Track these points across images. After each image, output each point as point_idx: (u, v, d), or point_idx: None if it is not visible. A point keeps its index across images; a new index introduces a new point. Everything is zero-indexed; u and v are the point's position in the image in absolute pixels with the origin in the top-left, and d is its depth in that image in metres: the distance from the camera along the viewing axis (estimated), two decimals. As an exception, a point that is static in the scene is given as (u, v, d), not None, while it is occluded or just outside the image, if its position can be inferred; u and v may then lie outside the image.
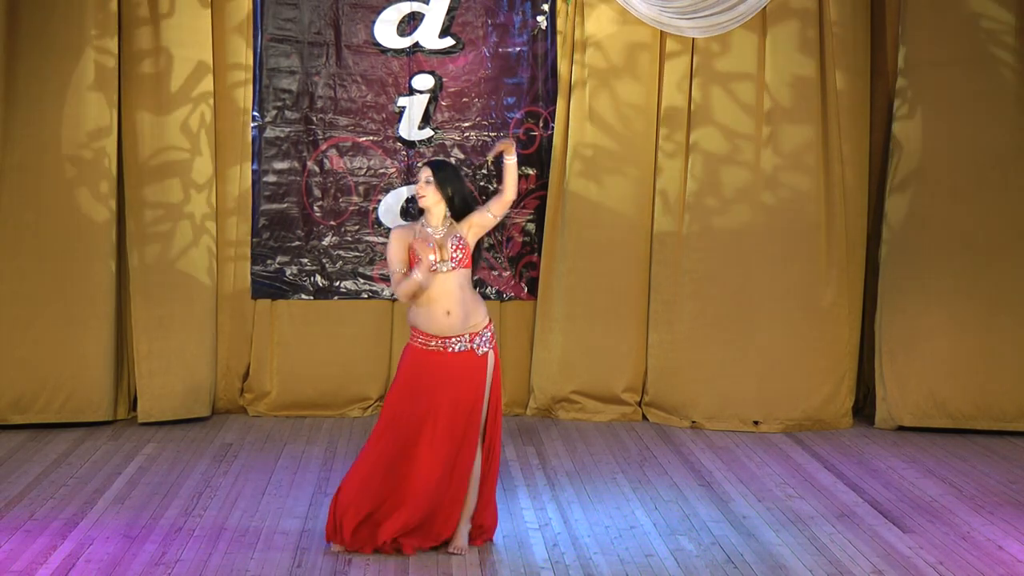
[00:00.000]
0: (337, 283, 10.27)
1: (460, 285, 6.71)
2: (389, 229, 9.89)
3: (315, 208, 10.23)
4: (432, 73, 10.23)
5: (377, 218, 10.26)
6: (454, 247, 6.70)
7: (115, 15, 9.67)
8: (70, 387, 9.63)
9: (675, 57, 10.01)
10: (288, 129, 10.21)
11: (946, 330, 9.75)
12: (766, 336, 9.89)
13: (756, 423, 9.81)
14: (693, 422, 9.90)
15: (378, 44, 10.19)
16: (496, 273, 10.30)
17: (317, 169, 10.23)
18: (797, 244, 9.90)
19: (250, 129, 10.14)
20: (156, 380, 9.78)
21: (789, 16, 9.86)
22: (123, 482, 8.10)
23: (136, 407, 9.90)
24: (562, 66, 10.12)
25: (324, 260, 10.25)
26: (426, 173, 6.79)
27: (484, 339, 6.76)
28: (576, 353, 10.14)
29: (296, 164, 10.22)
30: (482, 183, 10.22)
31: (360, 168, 10.25)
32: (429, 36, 10.20)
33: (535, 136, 10.26)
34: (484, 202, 6.93)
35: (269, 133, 10.19)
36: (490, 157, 6.91)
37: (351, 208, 10.25)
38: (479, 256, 6.93)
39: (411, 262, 6.70)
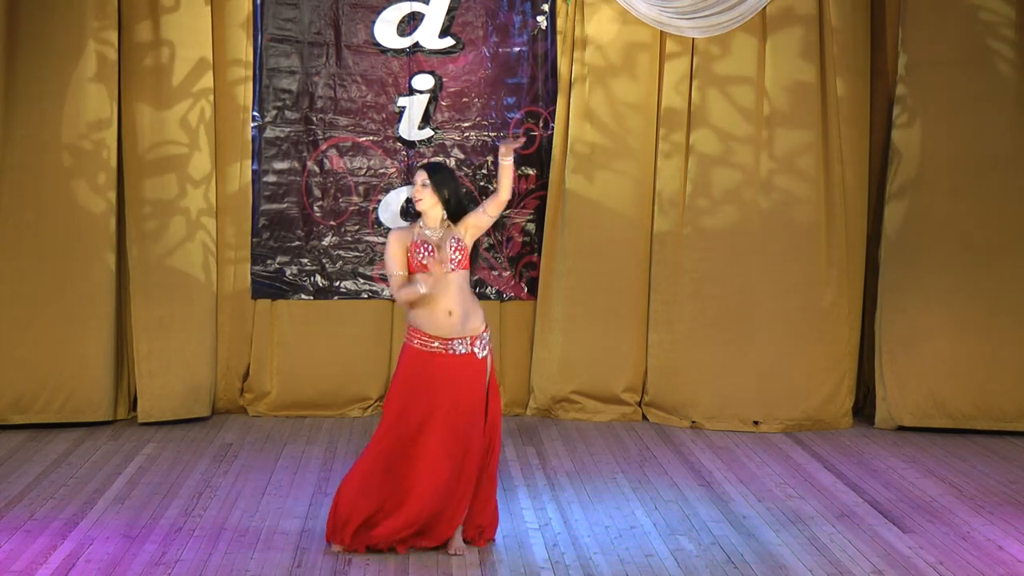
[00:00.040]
0: (337, 283, 10.27)
1: (460, 286, 6.74)
2: (389, 229, 9.88)
3: (315, 208, 10.23)
4: (432, 73, 10.23)
5: (377, 218, 10.26)
6: (453, 248, 6.72)
7: (115, 9, 9.67)
8: (70, 387, 9.63)
9: (675, 58, 10.01)
10: (288, 129, 10.21)
11: (946, 330, 9.75)
12: (766, 336, 9.89)
13: (756, 423, 9.81)
14: (693, 422, 9.90)
15: (378, 44, 10.19)
16: (496, 273, 10.30)
17: (317, 169, 10.23)
18: (797, 244, 9.90)
19: (250, 127, 10.14)
20: (156, 380, 9.78)
21: (790, 17, 9.87)
22: (123, 482, 8.10)
23: (136, 407, 9.90)
24: (562, 64, 10.11)
25: (324, 260, 10.25)
26: (422, 176, 6.81)
27: (484, 342, 6.79)
28: (576, 353, 10.14)
29: (296, 164, 10.22)
30: (482, 183, 10.23)
31: (360, 168, 10.25)
32: (429, 36, 10.20)
33: (535, 136, 10.26)
34: (481, 202, 6.93)
35: (269, 133, 10.19)
36: (508, 148, 6.81)
37: (351, 208, 10.25)
38: (476, 256, 6.94)
39: (409, 264, 6.72)
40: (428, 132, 10.24)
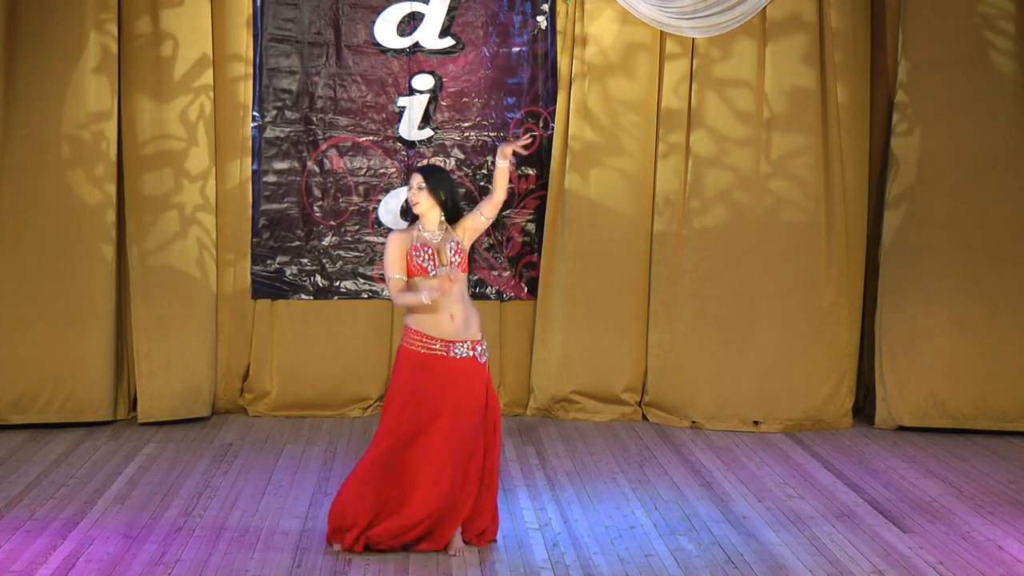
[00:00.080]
0: (337, 283, 10.27)
1: (460, 290, 6.76)
2: (389, 229, 9.89)
3: (315, 208, 10.23)
4: (432, 73, 10.23)
5: (377, 218, 10.26)
6: (452, 252, 6.73)
7: (115, 4, 9.67)
8: (70, 387, 9.63)
9: (675, 59, 10.01)
10: (288, 129, 10.21)
11: (946, 330, 9.76)
12: (766, 336, 9.89)
13: (756, 423, 9.81)
14: (693, 422, 9.90)
15: (378, 44, 10.19)
16: (496, 273, 10.29)
17: (317, 169, 10.23)
18: (797, 244, 9.90)
19: (249, 125, 10.14)
20: (156, 380, 9.78)
21: (791, 22, 9.86)
22: (123, 482, 8.10)
23: (136, 407, 9.90)
24: (562, 64, 10.11)
25: (324, 260, 10.25)
26: (417, 179, 6.82)
27: (483, 348, 6.81)
28: (576, 353, 10.14)
29: (296, 164, 10.22)
30: (482, 183, 10.22)
31: (360, 168, 10.25)
32: (429, 36, 10.20)
33: (535, 136, 10.26)
34: (480, 202, 6.94)
35: (269, 133, 10.19)
36: (507, 150, 6.81)
37: (351, 208, 10.25)
38: (472, 258, 6.95)
39: (408, 267, 6.72)
40: (428, 132, 10.24)
